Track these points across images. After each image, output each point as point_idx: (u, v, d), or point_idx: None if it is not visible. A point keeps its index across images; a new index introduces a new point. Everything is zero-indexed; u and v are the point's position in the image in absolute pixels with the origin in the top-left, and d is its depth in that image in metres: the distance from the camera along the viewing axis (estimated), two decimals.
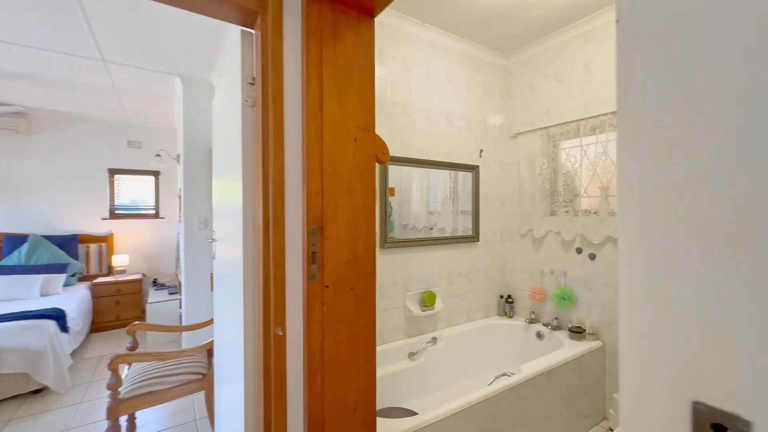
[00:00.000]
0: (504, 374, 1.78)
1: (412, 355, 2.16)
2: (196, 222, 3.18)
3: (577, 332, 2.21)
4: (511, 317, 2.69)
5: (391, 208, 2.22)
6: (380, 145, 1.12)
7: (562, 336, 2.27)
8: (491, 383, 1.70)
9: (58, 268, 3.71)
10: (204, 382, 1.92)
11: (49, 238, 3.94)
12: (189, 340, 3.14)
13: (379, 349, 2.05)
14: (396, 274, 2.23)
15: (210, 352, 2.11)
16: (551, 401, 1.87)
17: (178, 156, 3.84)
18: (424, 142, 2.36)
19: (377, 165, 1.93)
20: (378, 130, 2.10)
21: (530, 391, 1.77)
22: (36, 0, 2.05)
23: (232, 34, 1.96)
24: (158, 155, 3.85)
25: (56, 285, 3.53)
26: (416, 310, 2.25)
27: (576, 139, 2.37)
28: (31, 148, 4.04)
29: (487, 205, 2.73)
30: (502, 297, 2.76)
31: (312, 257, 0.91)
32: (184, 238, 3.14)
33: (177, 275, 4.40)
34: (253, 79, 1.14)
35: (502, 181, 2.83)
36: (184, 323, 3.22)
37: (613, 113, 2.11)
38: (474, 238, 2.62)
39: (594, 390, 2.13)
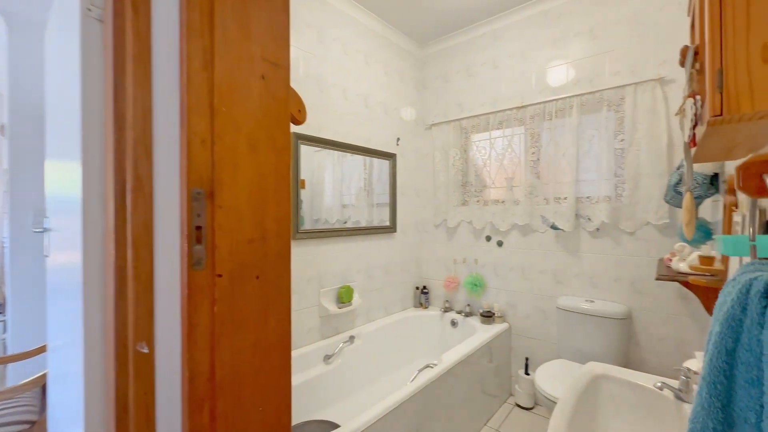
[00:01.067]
0: (427, 366, 1.71)
1: (328, 357, 1.94)
2: (30, 216, 2.35)
3: (488, 316, 2.29)
4: (426, 308, 2.68)
5: (301, 201, 1.96)
6: (296, 98, 0.88)
7: (474, 321, 2.34)
8: (415, 378, 1.60)
9: None
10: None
11: None
12: (17, 374, 2.29)
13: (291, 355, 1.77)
14: (309, 269, 1.98)
15: (44, 390, 1.52)
16: (468, 387, 1.88)
17: (2, 127, 2.82)
18: (340, 124, 2.16)
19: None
20: None
21: (452, 380, 1.74)
22: None
23: None
24: None
25: None
26: (332, 307, 2.03)
27: (485, 133, 2.48)
28: None
29: (404, 195, 2.68)
30: (417, 288, 2.74)
31: (196, 234, 0.62)
32: (10, 237, 2.28)
33: (1, 289, 3.25)
34: None
35: (417, 171, 2.81)
36: (9, 351, 2.34)
37: (517, 108, 2.25)
38: (391, 228, 2.53)
39: (502, 370, 2.24)
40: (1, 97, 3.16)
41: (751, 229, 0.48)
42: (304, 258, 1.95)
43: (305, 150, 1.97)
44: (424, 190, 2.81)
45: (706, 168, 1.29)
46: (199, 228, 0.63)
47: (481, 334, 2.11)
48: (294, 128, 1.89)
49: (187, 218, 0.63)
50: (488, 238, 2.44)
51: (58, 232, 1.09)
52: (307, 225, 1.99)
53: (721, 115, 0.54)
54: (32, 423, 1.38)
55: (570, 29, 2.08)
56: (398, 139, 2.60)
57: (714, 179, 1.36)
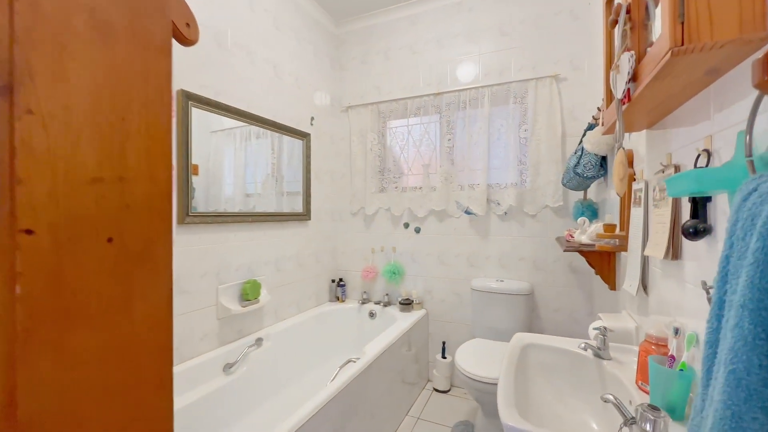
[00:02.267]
0: (348, 361, 1.55)
1: (229, 366, 1.61)
2: None
3: (406, 304, 2.26)
4: (343, 301, 2.52)
5: (194, 189, 1.59)
6: (180, 4, 0.62)
7: (394, 310, 2.28)
8: (336, 375, 1.43)
9: None
10: None
11: None
12: None
13: (177, 369, 1.40)
14: (204, 263, 1.62)
15: None
16: (389, 378, 1.79)
17: None
18: (245, 91, 1.84)
19: (174, 104, 1.30)
20: (183, 56, 1.44)
21: (374, 373, 1.61)
22: None
23: None
24: None
25: None
26: (234, 306, 1.71)
27: (403, 120, 2.44)
28: None
29: (319, 180, 2.47)
30: (333, 281, 2.56)
31: None
32: None
33: None
34: None
35: (333, 156, 2.63)
36: None
37: (434, 95, 2.27)
38: (305, 216, 2.29)
39: (421, 356, 2.23)
40: None
41: (748, 137, 0.46)
42: (197, 248, 1.58)
43: (199, 128, 1.59)
44: (340, 175, 2.64)
45: (599, 151, 1.44)
46: None
47: (401, 323, 2.05)
48: (183, 85, 1.51)
49: None
50: (406, 225, 2.41)
51: None
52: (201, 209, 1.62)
53: (683, 45, 0.52)
54: None
55: (481, 23, 2.18)
56: (312, 118, 2.38)
57: (603, 161, 1.53)
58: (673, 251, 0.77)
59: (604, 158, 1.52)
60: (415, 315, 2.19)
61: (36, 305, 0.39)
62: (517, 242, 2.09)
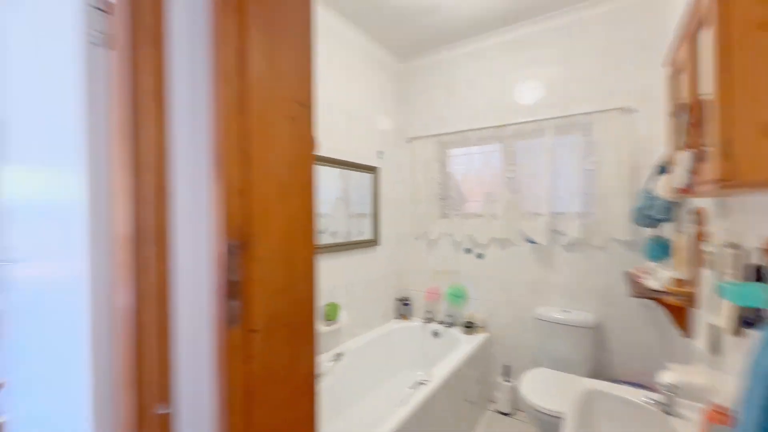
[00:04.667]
0: (419, 382, 1.73)
1: (317, 378, 1.90)
2: None
3: (469, 327, 2.38)
4: (408, 319, 2.72)
5: None
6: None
7: (457, 332, 2.41)
8: (409, 397, 1.62)
9: None
10: None
11: None
12: None
13: None
14: None
15: None
16: (455, 398, 1.94)
17: None
18: (327, 139, 2.13)
19: None
20: None
21: (443, 394, 1.78)
22: None
23: None
24: None
25: None
26: (319, 326, 2.00)
27: (464, 148, 2.57)
28: None
29: (385, 207, 2.70)
30: (399, 300, 2.77)
31: (232, 289, 0.59)
32: None
33: None
34: (107, 4, 0.72)
35: (397, 184, 2.84)
36: None
37: (495, 127, 2.36)
38: (374, 242, 2.53)
39: (485, 377, 2.33)
40: None
41: None
42: None
43: None
44: (403, 202, 2.85)
45: (672, 198, 1.44)
46: (234, 282, 0.60)
47: (466, 346, 2.18)
48: None
49: (222, 273, 0.59)
50: (468, 251, 2.53)
51: (33, 268, 0.97)
52: None
53: (727, 180, 0.61)
54: None
55: (544, 55, 2.22)
56: (381, 153, 2.61)
57: (671, 206, 1.52)
58: (737, 328, 0.82)
59: (673, 203, 1.50)
60: (478, 338, 2.30)
61: (258, 374, 0.63)
62: (583, 273, 2.10)
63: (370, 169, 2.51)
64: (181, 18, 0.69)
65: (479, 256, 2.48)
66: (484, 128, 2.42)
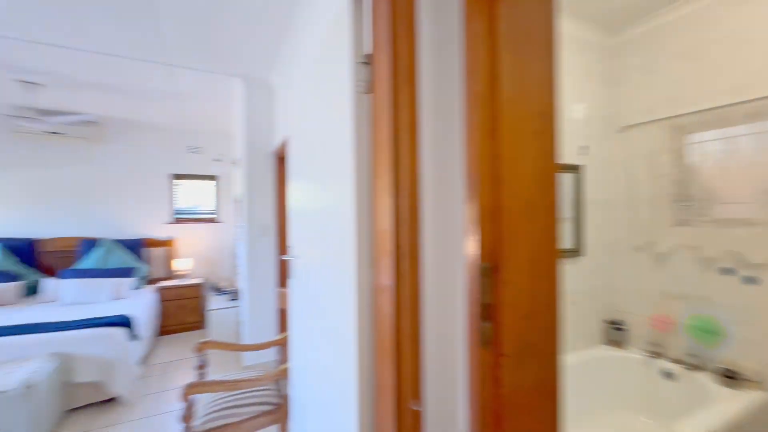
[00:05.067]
0: None
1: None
2: (257, 229, 3.05)
3: (731, 377, 1.72)
4: (621, 348, 2.23)
5: None
6: None
7: (706, 379, 1.79)
8: None
9: (127, 272, 3.80)
10: (278, 414, 1.71)
11: (119, 242, 4.06)
12: (250, 356, 3.01)
13: None
14: None
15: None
16: None
17: (237, 160, 3.78)
18: None
19: None
20: None
21: None
22: (114, 7, 1.98)
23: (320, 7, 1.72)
24: (218, 159, 3.81)
25: (126, 288, 3.59)
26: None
27: (720, 130, 1.88)
28: (100, 155, 4.19)
29: (589, 213, 2.29)
30: (608, 322, 2.31)
31: (484, 312, 0.61)
32: (247, 245, 3.02)
33: (234, 280, 4.38)
34: (368, 56, 0.86)
35: (606, 182, 2.37)
36: (244, 334, 3.11)
37: None
38: (576, 252, 2.20)
39: None
40: (234, 139, 4.28)
41: None
42: None
43: None
44: (615, 205, 2.35)
45: None
46: (485, 305, 0.61)
47: (728, 404, 1.59)
48: None
49: (475, 294, 0.62)
50: (728, 272, 1.83)
51: (313, 269, 1.31)
52: None
53: None
54: (276, 405, 1.74)
55: None
56: (585, 148, 2.24)
57: None
58: None
59: None
60: (748, 397, 1.64)
61: (508, 401, 0.62)
62: None
63: (572, 168, 2.19)
64: (433, 55, 0.76)
65: (750, 280, 1.75)
66: (756, 100, 1.69)
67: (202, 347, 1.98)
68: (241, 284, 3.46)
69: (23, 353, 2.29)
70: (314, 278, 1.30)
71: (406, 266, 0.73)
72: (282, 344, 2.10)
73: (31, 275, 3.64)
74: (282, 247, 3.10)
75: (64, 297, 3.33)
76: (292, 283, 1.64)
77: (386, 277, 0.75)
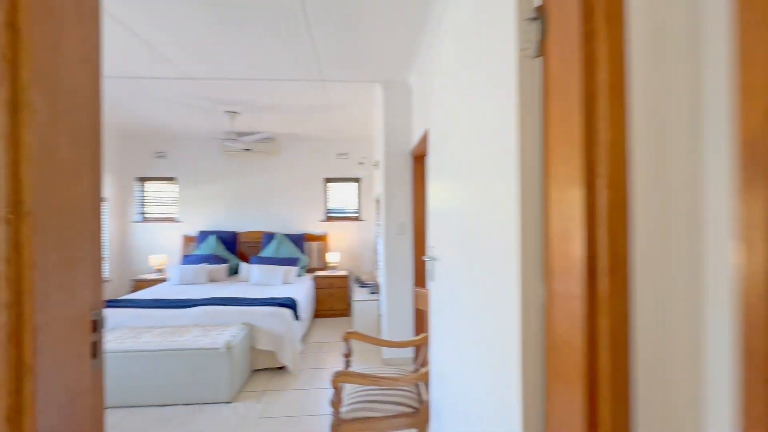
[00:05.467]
0: None
1: None
2: (394, 227, 3.13)
3: None
4: None
5: None
6: None
7: None
8: None
9: (293, 261, 4.54)
10: (416, 419, 1.66)
11: (288, 236, 4.91)
12: (389, 350, 3.12)
13: None
14: None
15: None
16: None
17: (377, 162, 4.02)
18: None
19: None
20: None
21: None
22: (280, 38, 2.34)
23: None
24: (361, 163, 4.14)
25: (292, 275, 4.30)
26: None
27: None
28: (275, 165, 5.14)
29: None
30: None
31: None
32: (384, 242, 3.15)
33: (374, 275, 4.69)
34: (538, 10, 0.67)
35: None
36: (384, 327, 3.26)
37: None
38: None
39: None
40: (373, 142, 4.61)
41: None
42: None
43: None
44: None
45: None
46: None
47: None
48: None
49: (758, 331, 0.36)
50: None
51: (459, 273, 1.18)
52: None
53: None
54: (415, 409, 1.69)
55: None
56: None
57: None
58: None
59: None
60: None
61: None
62: None
63: None
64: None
65: None
66: None
67: (348, 337, 2.13)
68: (381, 279, 3.64)
69: (226, 320, 2.97)
70: (459, 283, 1.16)
71: (605, 284, 0.51)
72: (419, 345, 2.06)
73: (233, 260, 4.77)
74: (418, 246, 3.10)
75: (252, 278, 4.22)
76: (432, 285, 1.55)
77: (571, 290, 0.55)
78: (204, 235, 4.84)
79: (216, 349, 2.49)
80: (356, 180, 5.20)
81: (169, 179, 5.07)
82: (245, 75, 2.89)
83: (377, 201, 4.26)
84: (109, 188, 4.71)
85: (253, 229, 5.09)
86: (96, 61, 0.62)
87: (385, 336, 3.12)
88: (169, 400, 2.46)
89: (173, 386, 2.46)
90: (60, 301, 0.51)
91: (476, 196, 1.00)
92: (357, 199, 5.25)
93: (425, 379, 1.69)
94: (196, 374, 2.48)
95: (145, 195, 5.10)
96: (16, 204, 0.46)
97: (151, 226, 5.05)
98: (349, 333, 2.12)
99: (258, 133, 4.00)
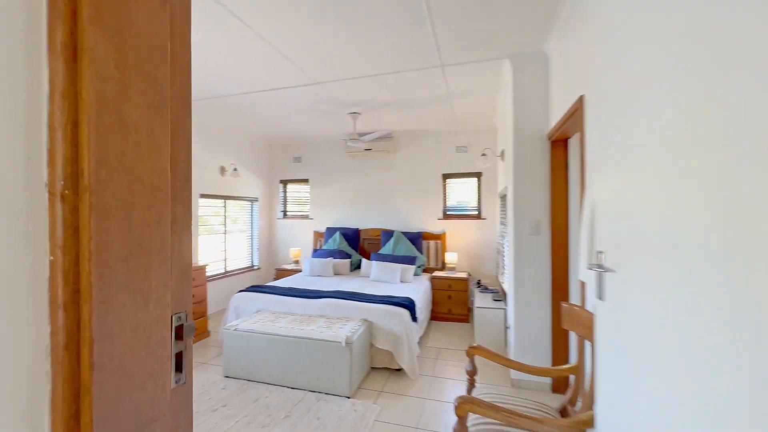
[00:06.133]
0: None
1: None
2: (526, 226, 2.65)
3: None
4: None
5: None
6: None
7: None
8: None
9: (410, 260, 4.45)
10: None
11: (405, 234, 4.86)
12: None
13: None
14: None
15: None
16: None
17: (502, 152, 3.54)
18: None
19: None
20: None
21: None
22: (396, 28, 2.20)
23: None
24: (483, 154, 3.73)
25: (409, 274, 4.21)
26: None
27: None
28: (393, 163, 5.16)
29: None
30: None
31: None
32: (514, 243, 2.70)
33: (498, 280, 4.19)
34: None
35: None
36: (511, 343, 2.80)
37: None
38: None
39: None
40: (498, 132, 4.11)
41: None
42: None
43: None
44: None
45: None
46: None
47: None
48: None
49: None
50: None
51: (647, 286, 0.77)
52: None
53: None
54: None
55: None
56: None
57: None
58: None
59: None
60: None
61: None
62: None
63: None
64: None
65: None
66: None
67: (472, 352, 1.83)
68: (507, 286, 3.18)
69: (347, 314, 3.04)
70: (665, 308, 0.75)
71: None
72: (564, 375, 1.60)
73: (355, 255, 4.99)
74: (558, 249, 2.54)
75: (372, 274, 4.30)
76: (602, 306, 1.12)
77: None
78: (330, 231, 5.22)
79: (337, 342, 2.54)
80: (477, 175, 4.77)
81: (304, 181, 5.67)
82: (365, 72, 2.89)
83: (502, 197, 3.77)
84: (260, 190, 5.57)
85: (373, 227, 5.23)
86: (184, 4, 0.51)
87: (513, 354, 2.67)
88: (297, 383, 2.63)
89: (300, 371, 2.62)
90: (128, 303, 0.39)
91: (692, 179, 0.59)
92: (477, 196, 4.82)
93: (588, 427, 1.25)
94: (320, 364, 2.58)
95: (286, 195, 5.84)
96: (73, 176, 0.36)
97: (290, 223, 5.75)
98: (473, 348, 1.82)
99: (378, 131, 4.05)
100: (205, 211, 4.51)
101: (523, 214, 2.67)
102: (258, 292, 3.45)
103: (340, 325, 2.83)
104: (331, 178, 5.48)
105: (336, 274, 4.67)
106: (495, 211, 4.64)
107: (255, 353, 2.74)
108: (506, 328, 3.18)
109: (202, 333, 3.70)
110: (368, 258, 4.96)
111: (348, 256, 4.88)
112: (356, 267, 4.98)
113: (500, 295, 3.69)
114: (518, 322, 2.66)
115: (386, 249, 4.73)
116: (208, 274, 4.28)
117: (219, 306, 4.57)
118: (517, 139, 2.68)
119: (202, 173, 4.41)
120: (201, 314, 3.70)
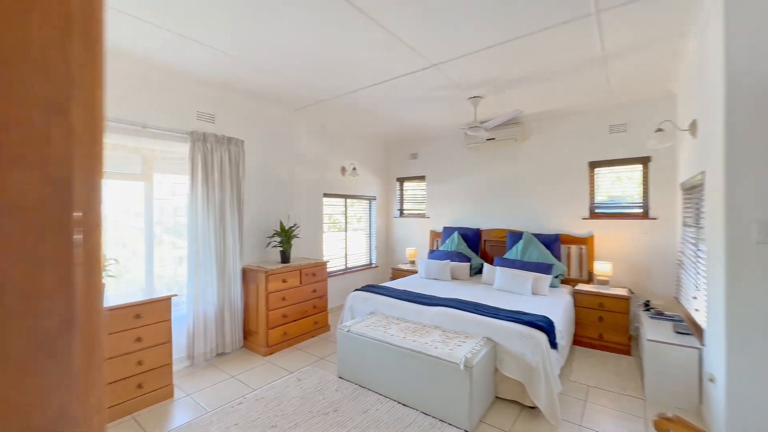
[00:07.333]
0: None
1: None
2: (753, 230, 1.71)
3: None
4: None
5: None
6: None
7: None
8: None
9: (545, 268, 3.68)
10: None
11: (537, 236, 4.07)
12: None
13: None
14: None
15: None
16: None
17: (693, 124, 2.48)
18: None
19: None
20: None
21: None
22: None
23: None
24: (660, 129, 2.71)
25: (544, 285, 3.46)
26: None
27: None
28: (522, 153, 4.40)
29: None
30: None
31: None
32: (726, 256, 1.78)
33: (681, 303, 3.03)
34: None
35: None
36: (718, 407, 1.87)
37: None
38: None
39: None
40: (679, 100, 2.92)
41: None
42: None
43: None
44: None
45: None
46: None
47: None
48: None
49: None
50: None
51: None
52: None
53: None
54: None
55: None
56: None
57: None
58: None
59: None
60: None
61: None
62: None
63: None
64: None
65: None
66: None
67: (664, 425, 1.18)
68: (705, 317, 2.20)
69: (466, 328, 2.61)
70: None
71: None
72: None
73: (476, 259, 4.46)
74: None
75: (496, 282, 3.72)
76: None
77: None
78: (448, 231, 4.83)
79: (455, 364, 2.15)
80: (643, 160, 3.62)
81: (420, 178, 5.44)
82: (492, 40, 2.39)
83: (688, 188, 2.68)
84: (377, 188, 5.61)
85: (497, 227, 4.60)
86: None
87: (723, 427, 1.76)
88: (409, 401, 2.36)
89: (413, 388, 2.34)
90: None
91: None
92: (642, 188, 3.66)
93: None
94: (434, 384, 2.24)
95: (402, 193, 5.73)
96: None
97: (407, 221, 5.61)
98: (667, 420, 1.17)
99: (503, 114, 3.45)
100: (329, 210, 4.76)
101: (743, 213, 1.74)
102: (372, 293, 3.35)
103: (458, 341, 2.43)
104: (448, 174, 5.09)
105: (453, 278, 4.25)
106: (673, 208, 3.42)
107: (367, 359, 2.60)
108: (708, 380, 2.18)
109: (323, 327, 3.85)
110: (491, 263, 4.37)
111: (467, 259, 4.40)
112: (477, 272, 4.44)
113: (687, 327, 2.62)
114: (735, 378, 1.74)
115: (512, 253, 4.05)
116: (329, 270, 4.48)
117: (339, 301, 4.75)
118: (732, 97, 1.76)
119: (325, 173, 4.64)
120: (322, 308, 3.85)
